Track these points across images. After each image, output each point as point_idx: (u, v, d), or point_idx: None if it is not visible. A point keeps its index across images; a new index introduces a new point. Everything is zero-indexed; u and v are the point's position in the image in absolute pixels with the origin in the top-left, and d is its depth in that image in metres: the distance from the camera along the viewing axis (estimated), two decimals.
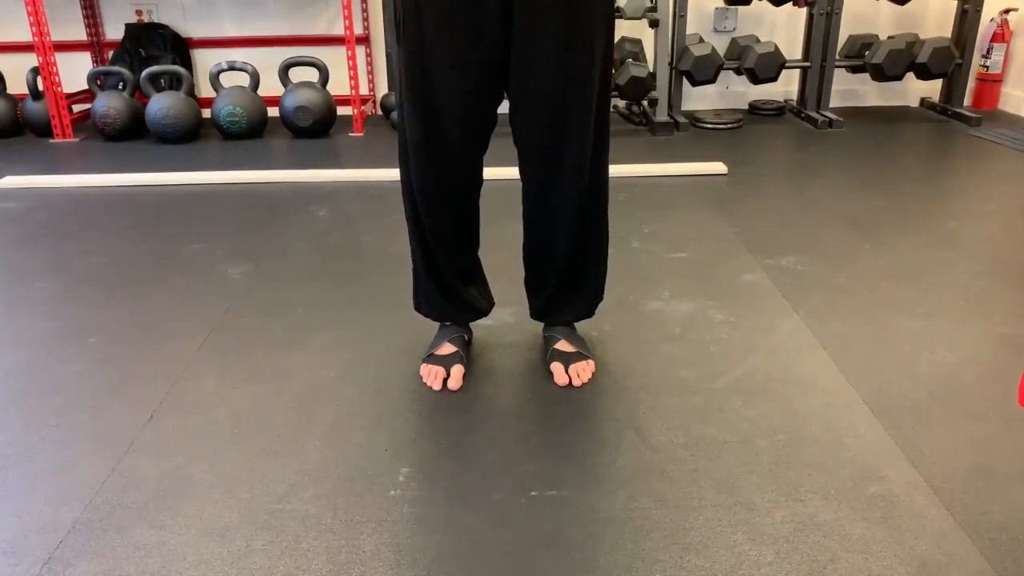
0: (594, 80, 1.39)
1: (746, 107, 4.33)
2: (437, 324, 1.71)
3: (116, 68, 3.89)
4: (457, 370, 1.59)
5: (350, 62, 3.78)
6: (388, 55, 4.02)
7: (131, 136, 3.84)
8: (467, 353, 1.67)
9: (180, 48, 4.22)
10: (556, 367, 1.60)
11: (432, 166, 1.45)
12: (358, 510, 1.24)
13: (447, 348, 1.63)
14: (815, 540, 1.16)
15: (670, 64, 3.84)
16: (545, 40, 1.33)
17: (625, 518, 1.21)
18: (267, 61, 4.03)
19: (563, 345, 1.63)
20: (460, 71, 1.35)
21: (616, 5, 3.66)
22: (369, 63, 4.36)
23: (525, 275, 1.66)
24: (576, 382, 1.58)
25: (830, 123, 3.84)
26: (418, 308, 1.69)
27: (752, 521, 1.20)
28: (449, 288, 1.62)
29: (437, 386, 1.57)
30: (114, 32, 4.25)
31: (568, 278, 1.60)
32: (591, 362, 1.62)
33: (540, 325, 1.76)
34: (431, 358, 1.62)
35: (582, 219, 1.51)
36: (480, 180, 1.53)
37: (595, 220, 1.54)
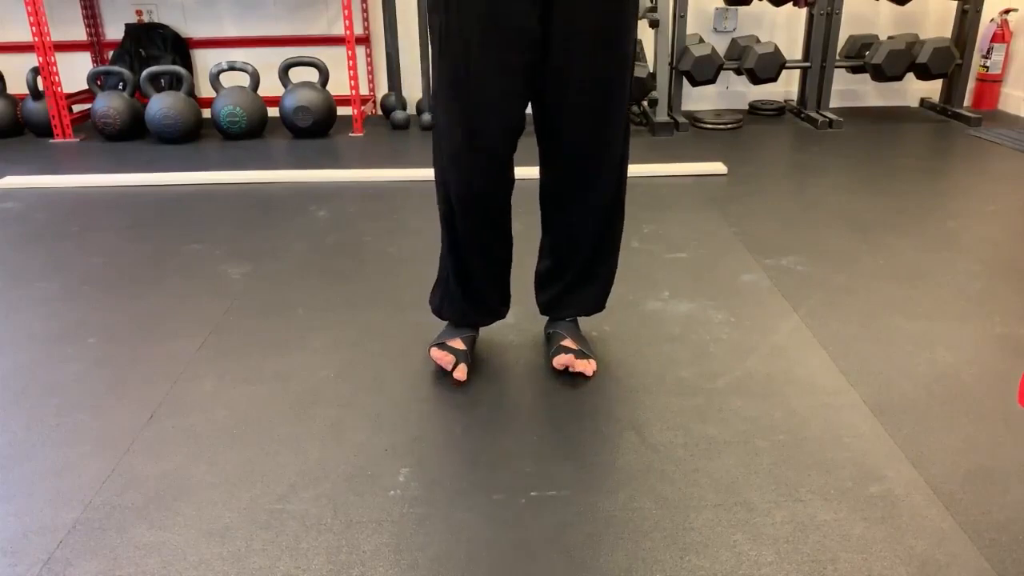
0: (629, 74, 1.45)
1: (746, 107, 4.33)
2: (442, 323, 1.71)
3: (116, 68, 3.89)
4: (461, 372, 1.59)
5: (350, 62, 3.78)
6: (388, 55, 4.02)
7: (131, 136, 3.84)
8: (472, 353, 1.67)
9: (180, 48, 4.22)
10: (559, 358, 1.60)
11: (474, 172, 1.45)
12: (358, 510, 1.24)
13: (457, 343, 1.63)
14: (815, 540, 1.16)
15: (670, 64, 3.84)
16: (585, 36, 1.36)
17: (625, 518, 1.21)
18: (267, 61, 4.03)
19: (568, 343, 1.63)
20: (505, 75, 1.37)
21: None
22: (369, 63, 4.36)
23: (540, 269, 1.68)
24: (575, 368, 1.58)
25: (830, 123, 3.84)
26: (438, 312, 1.68)
27: (752, 521, 1.20)
28: (476, 294, 1.62)
29: (448, 367, 1.59)
30: (114, 32, 4.25)
31: (587, 270, 1.63)
32: (592, 362, 1.62)
33: (540, 325, 1.76)
34: (442, 345, 1.62)
35: (610, 211, 1.56)
36: (514, 180, 1.54)
37: (619, 212, 1.59)
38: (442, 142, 1.46)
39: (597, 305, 1.69)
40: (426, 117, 3.98)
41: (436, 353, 1.61)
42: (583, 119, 1.44)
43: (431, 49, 1.41)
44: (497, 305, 1.68)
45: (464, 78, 1.37)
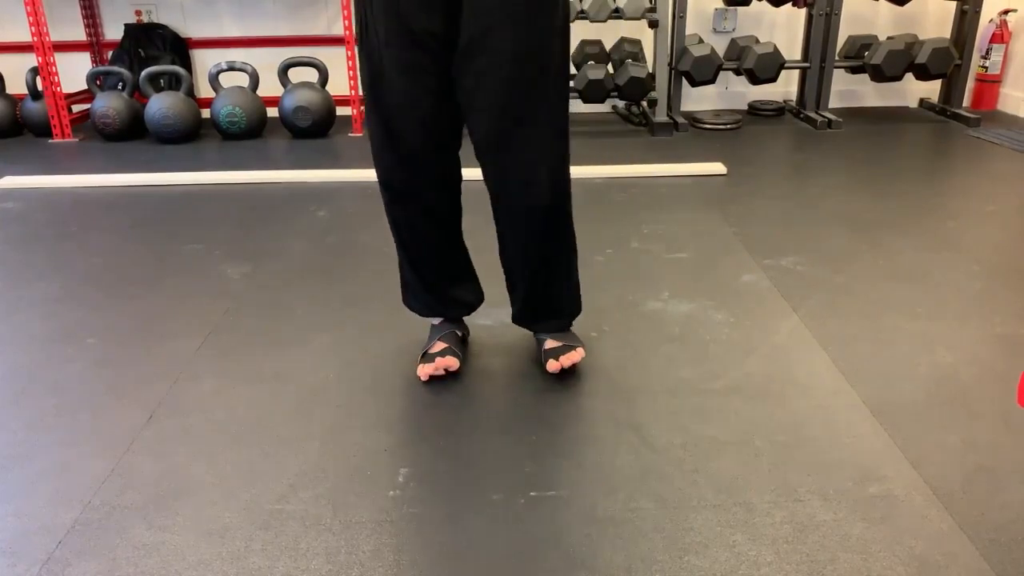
0: (552, 60, 1.37)
1: (745, 108, 4.33)
2: (430, 322, 1.71)
3: (115, 68, 3.89)
4: (451, 360, 1.59)
5: (349, 62, 3.78)
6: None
7: (130, 136, 3.84)
8: (461, 349, 1.67)
9: (179, 48, 4.22)
10: (549, 364, 1.60)
11: (395, 168, 1.47)
12: (357, 510, 1.24)
13: (438, 346, 1.63)
14: (814, 540, 1.16)
15: (669, 65, 3.84)
16: (494, 38, 1.32)
17: (624, 519, 1.21)
18: (266, 61, 4.03)
19: (550, 343, 1.63)
20: (415, 74, 1.36)
21: (618, 6, 3.67)
22: None
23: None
24: (566, 365, 1.57)
25: (829, 124, 3.84)
26: (407, 303, 1.70)
27: (751, 521, 1.20)
28: (434, 285, 1.63)
29: (439, 372, 1.58)
30: (113, 32, 4.24)
31: (537, 290, 1.59)
32: (579, 350, 1.60)
33: None
34: (425, 357, 1.62)
35: (547, 220, 1.48)
36: (449, 175, 1.52)
37: (562, 224, 1.52)
38: (371, 136, 1.47)
39: (559, 326, 1.65)
40: None
41: (422, 370, 1.60)
42: (490, 107, 1.36)
43: (356, 38, 1.40)
44: (461, 297, 1.67)
45: (379, 76, 1.37)
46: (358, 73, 1.47)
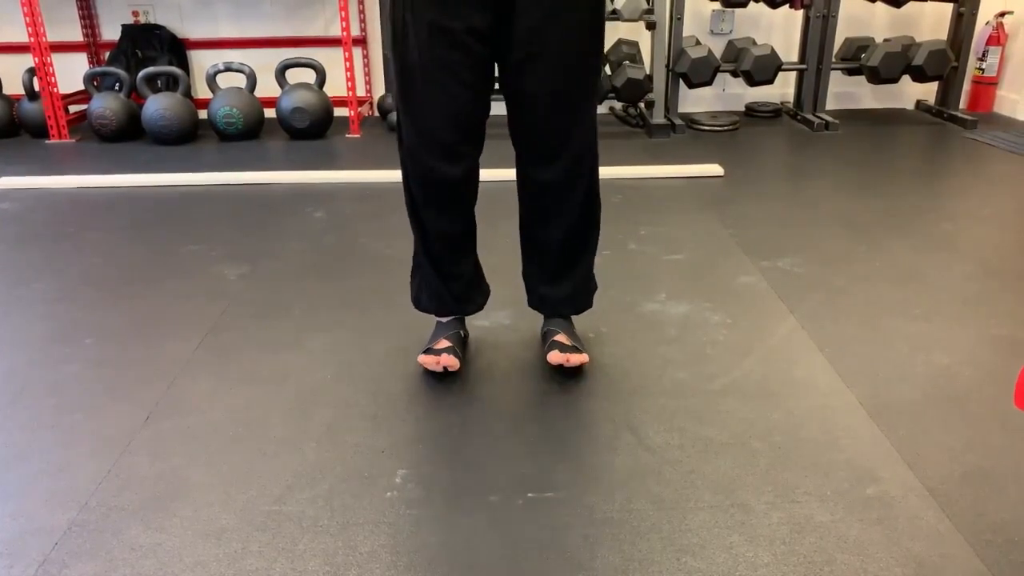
0: (593, 77, 1.46)
1: (742, 109, 4.34)
2: (434, 322, 1.71)
3: (112, 69, 3.88)
4: (453, 360, 1.60)
5: (347, 63, 3.78)
6: (385, 57, 4.02)
7: (127, 137, 3.83)
8: (462, 350, 1.68)
9: (177, 49, 4.21)
10: (553, 355, 1.61)
11: (430, 165, 1.48)
12: (355, 511, 1.24)
13: (443, 343, 1.64)
14: (811, 542, 1.16)
15: (667, 66, 3.85)
16: (547, 39, 1.39)
17: (622, 519, 1.21)
18: (264, 62, 4.03)
19: (561, 338, 1.64)
20: (453, 71, 1.40)
21: (612, 7, 3.67)
22: (366, 64, 4.35)
23: (523, 268, 1.69)
24: (568, 364, 1.59)
25: (826, 125, 3.85)
26: (417, 303, 1.70)
27: (748, 523, 1.20)
28: (453, 284, 1.64)
29: (437, 367, 1.60)
30: (110, 33, 4.24)
31: (559, 271, 1.64)
32: (585, 355, 1.62)
33: (535, 325, 1.76)
34: (429, 351, 1.63)
35: (580, 211, 1.56)
36: (476, 169, 1.54)
37: (592, 215, 1.60)
38: (402, 135, 1.49)
39: (575, 307, 1.70)
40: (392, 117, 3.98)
41: (423, 359, 1.62)
42: (543, 109, 1.45)
43: (391, 40, 1.44)
44: (472, 292, 1.69)
45: (416, 76, 1.40)
46: (391, 75, 1.50)
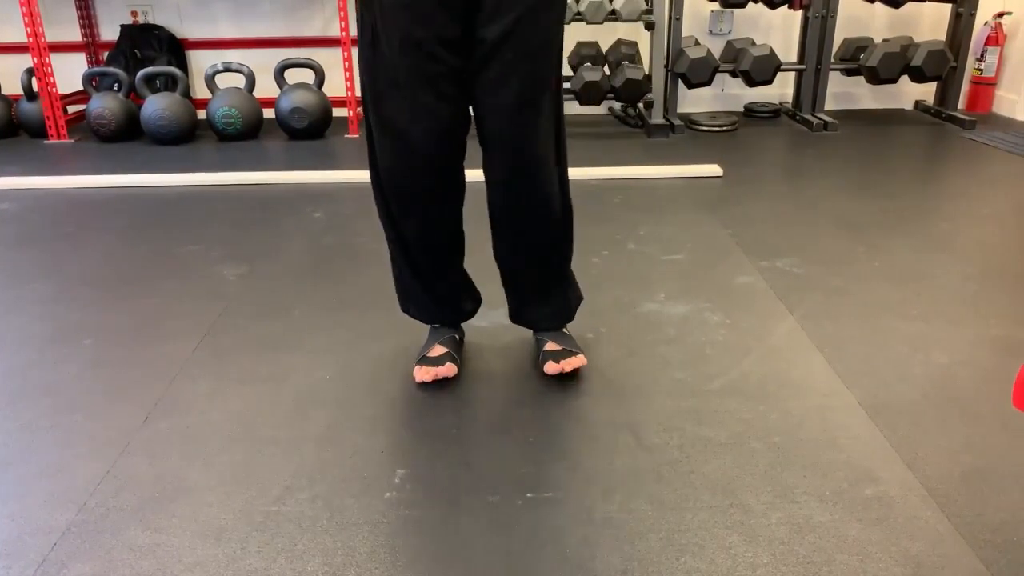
0: (553, 80, 1.42)
1: (741, 110, 4.33)
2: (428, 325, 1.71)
3: (111, 69, 3.88)
4: (450, 369, 1.59)
5: (346, 64, 3.78)
6: None
7: (126, 137, 3.83)
8: (459, 353, 1.67)
9: (176, 49, 4.21)
10: (548, 366, 1.60)
11: (408, 176, 1.45)
12: (354, 512, 1.24)
13: (438, 350, 1.63)
14: (811, 542, 1.16)
15: (666, 67, 3.85)
16: (508, 47, 1.35)
17: (621, 520, 1.21)
18: (263, 62, 4.02)
19: (551, 346, 1.63)
20: (426, 81, 1.36)
21: (615, 8, 3.67)
22: None
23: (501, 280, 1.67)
24: (565, 371, 1.57)
25: (825, 126, 3.85)
26: (405, 310, 1.69)
27: (748, 523, 1.20)
28: (439, 295, 1.63)
29: (434, 378, 1.58)
30: (109, 33, 4.24)
31: (537, 285, 1.61)
32: (580, 356, 1.61)
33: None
34: (423, 360, 1.62)
35: (551, 222, 1.52)
36: (457, 178, 1.51)
37: (564, 226, 1.56)
38: (375, 145, 1.45)
39: (559, 321, 1.66)
40: None
41: (418, 371, 1.60)
42: (513, 99, 1.39)
43: (360, 44, 1.38)
44: (461, 302, 1.68)
45: (392, 87, 1.36)
46: (360, 82, 1.45)
